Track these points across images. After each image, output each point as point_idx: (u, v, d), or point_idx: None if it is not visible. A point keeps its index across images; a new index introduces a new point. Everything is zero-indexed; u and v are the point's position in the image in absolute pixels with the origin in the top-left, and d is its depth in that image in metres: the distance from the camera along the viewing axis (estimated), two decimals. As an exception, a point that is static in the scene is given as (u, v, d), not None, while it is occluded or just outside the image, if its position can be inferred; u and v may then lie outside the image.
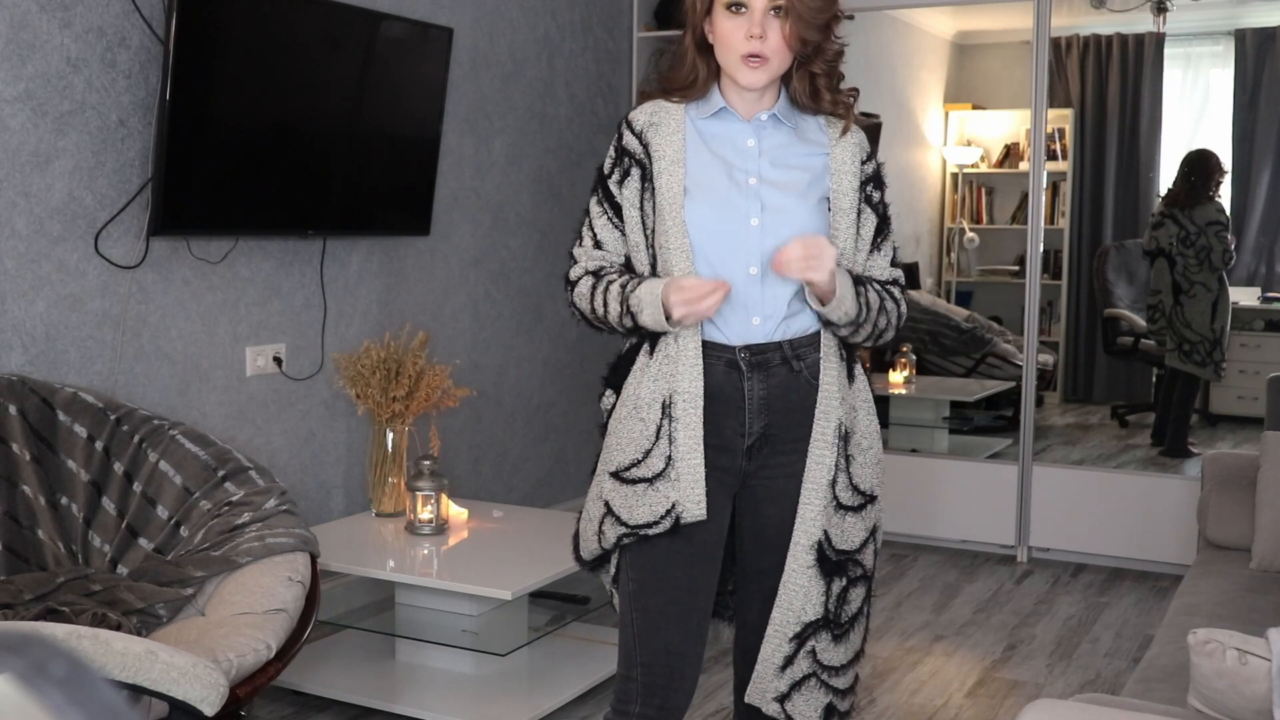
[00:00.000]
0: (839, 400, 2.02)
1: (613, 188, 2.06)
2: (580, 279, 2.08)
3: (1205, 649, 1.54)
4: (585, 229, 2.09)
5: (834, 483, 2.01)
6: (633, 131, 2.05)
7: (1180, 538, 4.46)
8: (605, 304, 2.02)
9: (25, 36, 2.94)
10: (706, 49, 2.01)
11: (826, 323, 2.01)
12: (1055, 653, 3.78)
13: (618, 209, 2.05)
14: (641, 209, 2.03)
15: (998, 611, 4.19)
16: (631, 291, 1.98)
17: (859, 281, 2.00)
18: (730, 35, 1.95)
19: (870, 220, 2.07)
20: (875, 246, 2.08)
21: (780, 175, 2.01)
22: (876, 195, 2.09)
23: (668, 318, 1.94)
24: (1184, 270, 5.17)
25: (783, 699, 2.08)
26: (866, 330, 2.03)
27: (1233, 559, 3.13)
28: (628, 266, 2.08)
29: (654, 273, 2.03)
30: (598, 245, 2.07)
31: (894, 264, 2.12)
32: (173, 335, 3.35)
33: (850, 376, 2.07)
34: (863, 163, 2.07)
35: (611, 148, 2.09)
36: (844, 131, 2.05)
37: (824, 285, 1.92)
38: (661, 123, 2.03)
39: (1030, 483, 4.80)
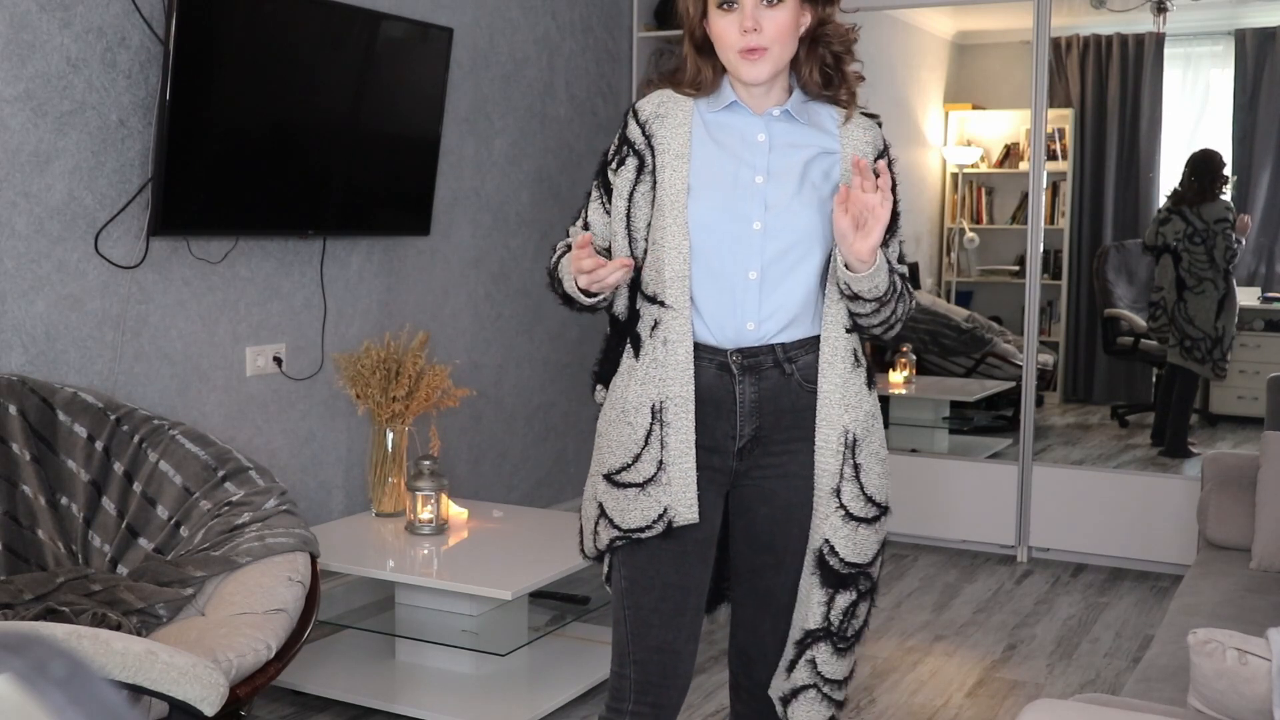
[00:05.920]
0: (843, 407, 1.98)
1: (610, 174, 2.05)
2: (559, 249, 2.11)
3: (1205, 649, 1.54)
4: (583, 210, 2.10)
5: (839, 491, 1.98)
6: (637, 121, 2.02)
7: (1180, 538, 4.46)
8: (562, 275, 2.04)
9: (25, 36, 2.94)
10: (708, 50, 1.99)
11: (852, 297, 1.95)
12: (1055, 653, 3.78)
13: (611, 195, 2.05)
14: (630, 199, 2.00)
15: (998, 611, 4.19)
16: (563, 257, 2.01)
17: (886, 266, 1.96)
18: (725, 32, 1.93)
19: None
20: (884, 245, 2.02)
21: (789, 172, 1.97)
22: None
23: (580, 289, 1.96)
24: (1190, 267, 5.16)
25: (785, 701, 2.08)
26: (885, 313, 1.99)
27: (1233, 559, 3.13)
28: (608, 254, 2.07)
29: (640, 266, 2.01)
30: (587, 227, 2.08)
31: (900, 260, 2.08)
32: (173, 335, 3.35)
33: (869, 384, 2.03)
34: (875, 160, 2.01)
35: (617, 134, 2.07)
36: (846, 119, 2.01)
37: (868, 254, 1.88)
38: (668, 114, 2.00)
39: (1030, 483, 4.80)
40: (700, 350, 1.98)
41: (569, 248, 2.07)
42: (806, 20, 1.96)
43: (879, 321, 2.01)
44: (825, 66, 1.99)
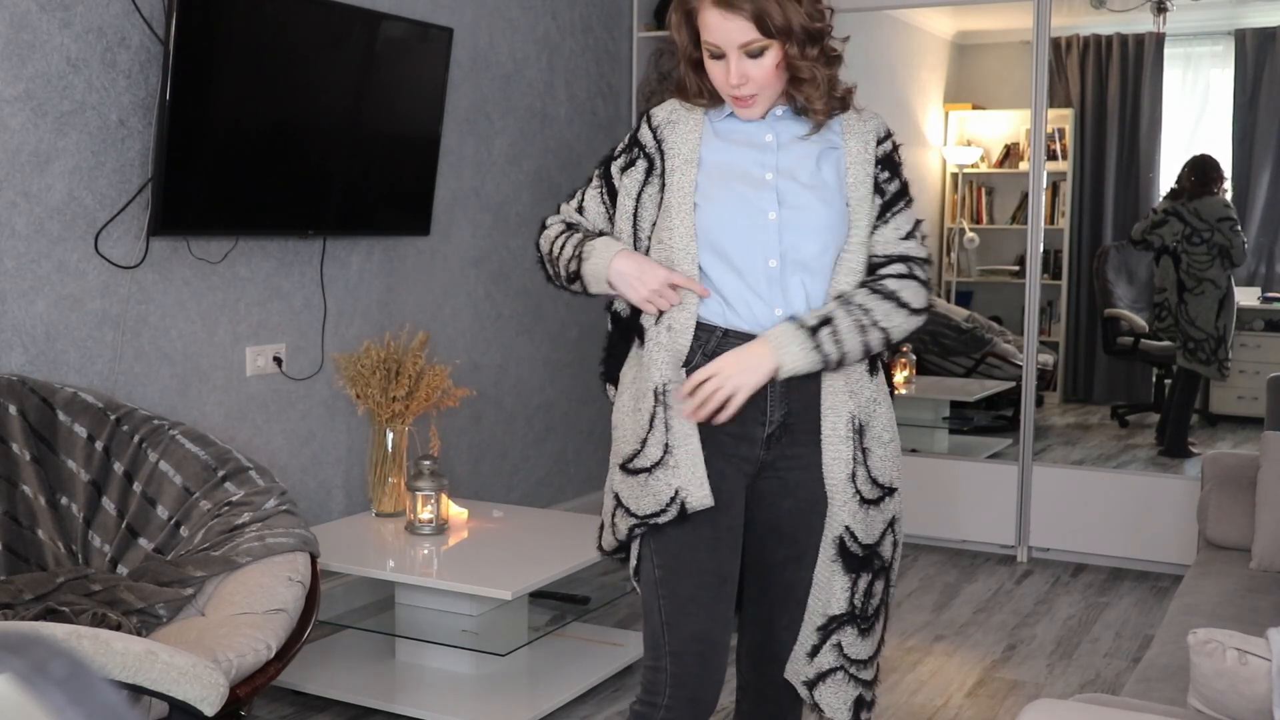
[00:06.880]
0: (847, 394, 2.00)
1: (614, 170, 2.09)
2: (554, 224, 2.15)
3: (1205, 649, 1.54)
4: (580, 191, 2.15)
5: (854, 476, 2.01)
6: (650, 126, 2.07)
7: (1180, 538, 4.46)
8: (563, 246, 2.08)
9: (25, 36, 2.94)
10: (703, 68, 2.00)
11: None
12: (1055, 653, 3.78)
13: (613, 192, 2.09)
14: (638, 200, 2.05)
15: (998, 611, 4.19)
16: (590, 239, 2.04)
17: (824, 321, 1.94)
18: (715, 76, 1.97)
19: (876, 203, 2.03)
20: (883, 220, 2.03)
21: (799, 166, 2.01)
22: (884, 175, 2.04)
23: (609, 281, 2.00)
24: (1189, 267, 5.16)
25: (810, 685, 2.08)
26: (854, 358, 1.98)
27: (1233, 559, 3.13)
28: None
29: None
30: (580, 210, 2.13)
31: (911, 236, 2.06)
32: (173, 335, 3.35)
33: (870, 371, 2.04)
34: (877, 144, 2.04)
35: (627, 135, 2.11)
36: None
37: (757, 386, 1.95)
38: (680, 121, 2.04)
39: (1030, 483, 4.80)
40: (731, 335, 2.00)
41: (565, 225, 2.12)
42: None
43: (856, 360, 2.00)
44: (801, 96, 1.99)
